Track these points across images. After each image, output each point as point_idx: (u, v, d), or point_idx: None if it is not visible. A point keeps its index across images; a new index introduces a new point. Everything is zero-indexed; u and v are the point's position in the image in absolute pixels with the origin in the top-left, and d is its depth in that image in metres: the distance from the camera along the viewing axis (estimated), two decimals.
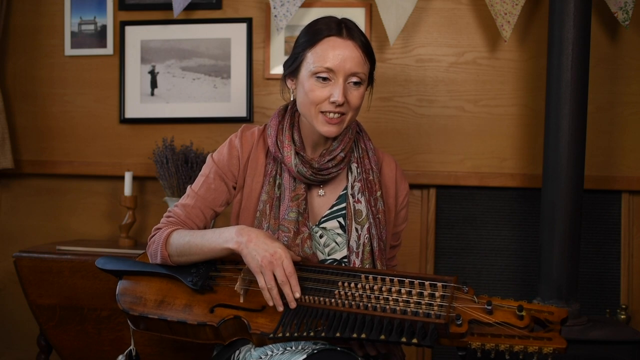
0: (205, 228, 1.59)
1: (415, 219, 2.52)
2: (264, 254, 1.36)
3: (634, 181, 2.43)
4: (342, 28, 1.48)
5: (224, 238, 1.42)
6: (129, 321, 1.50)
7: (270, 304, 1.37)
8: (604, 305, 2.43)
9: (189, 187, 1.61)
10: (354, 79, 1.47)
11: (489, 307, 1.27)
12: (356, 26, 1.52)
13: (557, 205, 2.08)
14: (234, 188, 1.60)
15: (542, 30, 2.40)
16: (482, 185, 2.48)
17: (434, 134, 2.50)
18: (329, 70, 1.45)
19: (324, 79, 1.46)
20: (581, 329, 2.06)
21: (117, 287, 1.52)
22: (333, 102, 1.45)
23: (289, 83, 1.57)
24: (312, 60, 1.47)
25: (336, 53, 1.45)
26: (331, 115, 1.47)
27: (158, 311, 1.43)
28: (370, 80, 1.56)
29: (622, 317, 2.32)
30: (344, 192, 1.60)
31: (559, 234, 2.08)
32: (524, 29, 2.45)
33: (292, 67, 1.53)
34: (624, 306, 2.36)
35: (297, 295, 1.36)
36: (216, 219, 2.49)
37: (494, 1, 2.33)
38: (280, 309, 1.36)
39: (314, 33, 1.49)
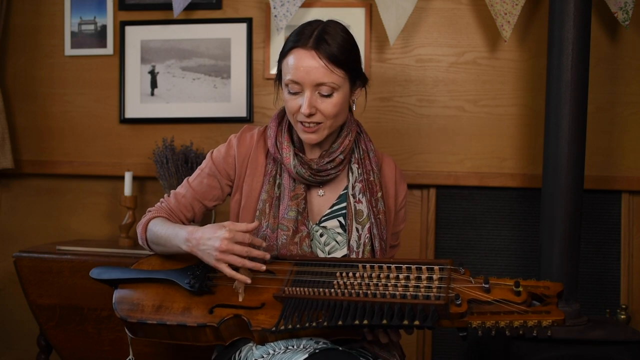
0: (194, 220, 1.66)
1: (415, 219, 2.52)
2: (213, 245, 1.38)
3: (634, 181, 2.43)
4: (310, 37, 1.46)
5: (179, 239, 1.46)
6: (126, 330, 1.50)
7: (249, 281, 1.39)
8: (604, 305, 2.43)
9: (186, 178, 1.67)
10: (322, 90, 1.47)
11: (487, 286, 1.30)
12: (336, 32, 1.49)
13: (557, 205, 2.08)
14: (229, 187, 1.64)
15: (542, 30, 2.40)
16: (482, 185, 2.48)
17: (434, 134, 2.50)
18: (295, 82, 1.47)
19: (294, 92, 1.49)
20: (581, 329, 2.06)
21: (114, 296, 1.52)
22: (303, 114, 1.48)
23: (281, 90, 1.60)
24: (283, 72, 1.51)
25: (300, 65, 1.46)
26: (306, 124, 1.50)
27: (157, 316, 1.43)
28: (357, 82, 1.55)
29: (622, 317, 2.32)
30: (345, 191, 1.61)
31: (559, 234, 2.08)
32: (524, 29, 2.45)
33: (277, 76, 1.59)
34: (624, 306, 2.36)
35: (264, 244, 1.43)
36: (216, 217, 2.49)
37: (494, 1, 2.33)
38: (263, 268, 1.39)
39: (287, 43, 1.51)
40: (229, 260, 1.38)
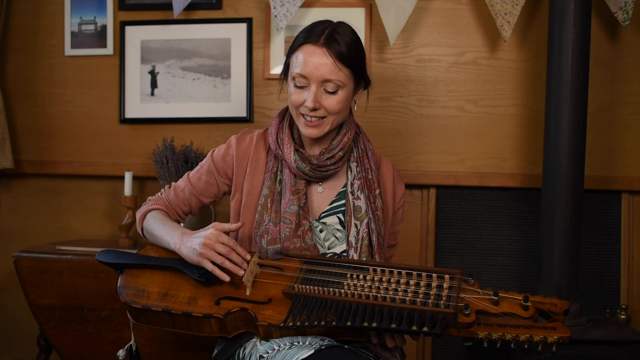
0: (190, 213, 1.72)
1: (415, 219, 2.52)
2: (198, 241, 1.44)
3: (634, 181, 2.43)
4: (322, 35, 1.51)
5: (171, 237, 1.53)
6: (129, 315, 1.50)
7: (227, 279, 1.42)
8: (604, 305, 2.43)
9: (187, 172, 1.72)
10: (328, 87, 1.51)
11: (495, 298, 1.31)
12: (345, 33, 1.53)
13: (557, 205, 2.08)
14: (226, 185, 1.68)
15: (542, 30, 2.40)
16: (482, 185, 2.48)
17: (434, 134, 2.50)
18: (302, 76, 1.51)
19: (300, 85, 1.53)
20: (581, 329, 2.06)
21: (119, 279, 1.51)
22: (307, 108, 1.52)
23: (286, 84, 1.64)
24: (292, 65, 1.55)
25: (309, 60, 1.51)
26: (309, 118, 1.54)
27: (162, 303, 1.43)
28: (361, 82, 1.60)
29: (622, 317, 2.32)
30: (344, 189, 1.64)
31: (559, 234, 2.08)
32: (524, 29, 2.45)
33: (284, 70, 1.62)
34: (624, 306, 2.36)
35: (248, 257, 1.45)
36: (216, 218, 2.50)
37: (494, 1, 2.33)
38: (241, 272, 1.42)
39: (297, 39, 1.56)
40: (210, 256, 1.43)
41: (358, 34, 1.58)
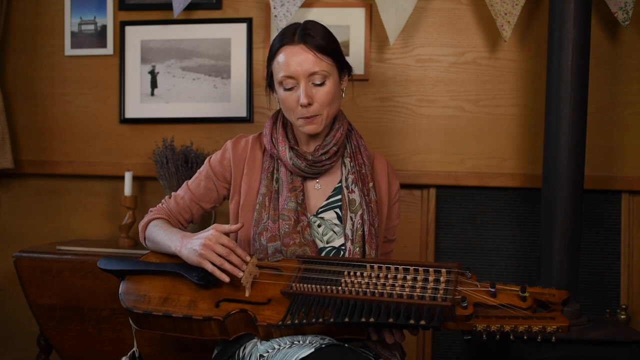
0: (192, 221, 1.75)
1: (415, 219, 2.52)
2: (199, 242, 1.45)
3: (634, 181, 2.43)
4: (295, 33, 1.56)
5: (171, 241, 1.54)
6: (131, 321, 1.50)
7: (227, 280, 1.42)
8: (604, 305, 2.43)
9: (186, 181, 1.75)
10: (315, 79, 1.55)
11: (493, 290, 1.31)
12: (316, 27, 1.58)
13: (557, 205, 2.08)
14: (226, 189, 1.70)
15: (542, 30, 2.40)
16: (482, 185, 2.48)
17: (434, 134, 2.50)
18: (289, 77, 1.55)
19: (289, 87, 1.55)
20: (581, 329, 2.06)
21: (120, 286, 1.52)
22: (302, 105, 1.54)
23: (274, 95, 1.67)
24: (275, 71, 1.59)
25: (290, 60, 1.54)
26: (306, 114, 1.56)
27: (163, 308, 1.44)
28: (344, 70, 1.63)
29: (622, 317, 2.32)
30: (339, 185, 1.67)
31: (559, 234, 2.08)
32: (524, 29, 2.45)
33: (268, 81, 1.66)
34: (624, 306, 2.36)
35: (247, 258, 1.45)
36: (216, 218, 2.50)
37: (494, 1, 2.33)
38: (240, 274, 1.43)
39: (273, 46, 1.60)
40: (210, 257, 1.44)
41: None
